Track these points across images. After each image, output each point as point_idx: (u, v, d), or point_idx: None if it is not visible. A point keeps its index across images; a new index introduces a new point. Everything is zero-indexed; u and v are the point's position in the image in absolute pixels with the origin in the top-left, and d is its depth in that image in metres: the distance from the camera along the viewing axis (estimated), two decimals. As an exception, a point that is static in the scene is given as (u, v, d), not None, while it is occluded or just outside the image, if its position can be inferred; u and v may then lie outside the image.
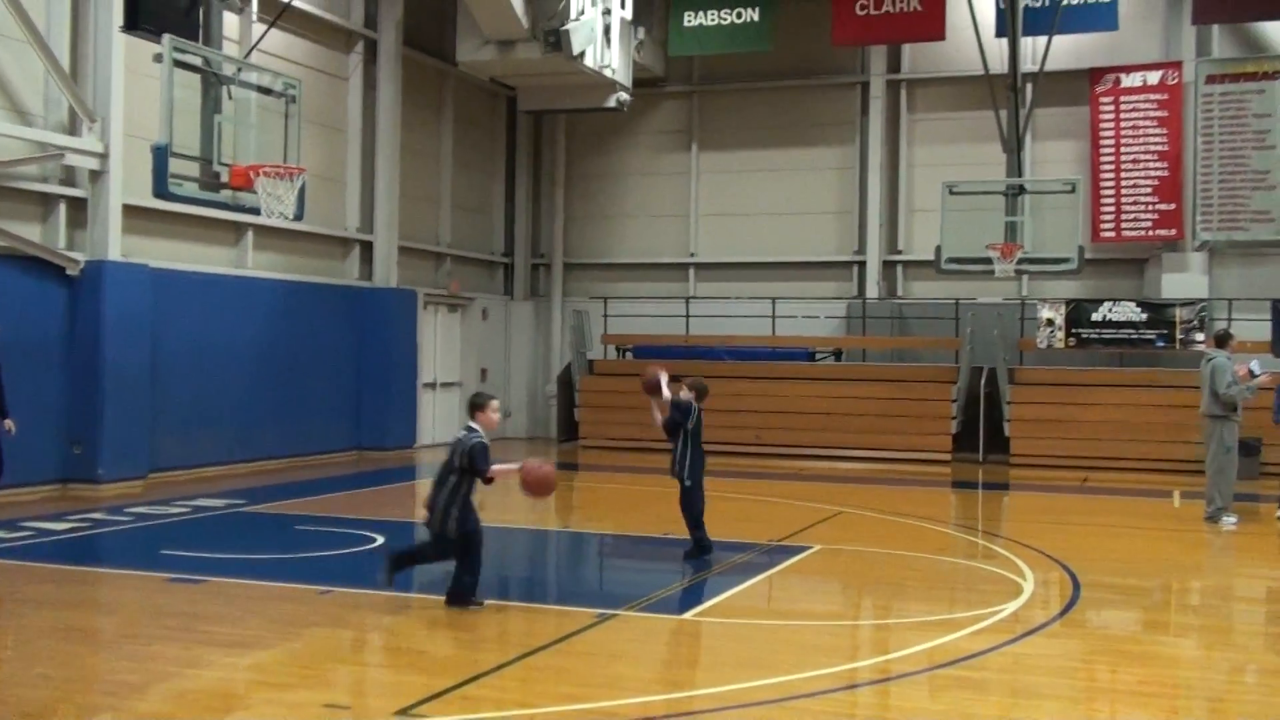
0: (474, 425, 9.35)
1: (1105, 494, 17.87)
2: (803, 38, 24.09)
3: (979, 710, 7.03)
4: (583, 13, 19.89)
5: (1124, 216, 22.58)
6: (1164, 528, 14.90)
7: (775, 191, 25.08)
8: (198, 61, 13.30)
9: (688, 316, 24.66)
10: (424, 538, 9.67)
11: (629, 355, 24.69)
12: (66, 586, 10.21)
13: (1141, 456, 20.39)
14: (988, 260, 19.61)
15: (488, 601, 9.32)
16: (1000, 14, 21.53)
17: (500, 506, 17.49)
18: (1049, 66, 21.11)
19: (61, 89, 15.44)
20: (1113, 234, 22.67)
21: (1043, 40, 21.01)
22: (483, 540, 9.40)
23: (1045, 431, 21.16)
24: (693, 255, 25.73)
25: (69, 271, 15.52)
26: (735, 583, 10.63)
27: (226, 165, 13.47)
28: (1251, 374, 14.32)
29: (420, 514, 9.82)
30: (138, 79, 15.83)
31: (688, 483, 11.63)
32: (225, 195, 13.64)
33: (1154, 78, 22.42)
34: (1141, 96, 22.49)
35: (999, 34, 21.45)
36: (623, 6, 21.12)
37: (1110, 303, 21.75)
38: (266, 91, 14.18)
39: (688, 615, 9.49)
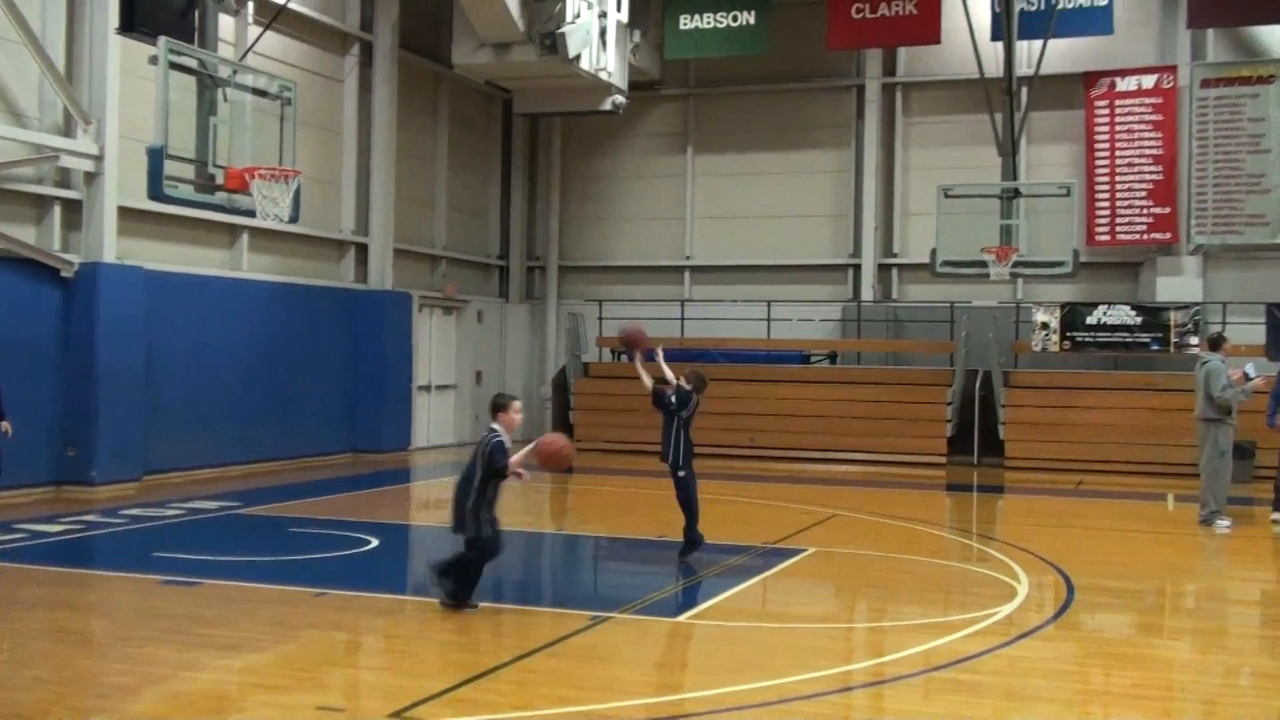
0: (495, 426, 9.39)
1: (1100, 497, 17.89)
2: (798, 41, 24.11)
3: (973, 713, 7.04)
4: (578, 15, 19.91)
5: (1119, 220, 22.62)
6: (1158, 531, 14.91)
7: (771, 194, 25.10)
8: (193, 64, 13.31)
9: (683, 319, 24.66)
10: (458, 547, 9.55)
11: (624, 358, 24.65)
12: (60, 589, 10.20)
13: (1136, 460, 20.41)
14: (983, 263, 19.64)
15: (482, 604, 9.29)
16: (995, 17, 21.58)
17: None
18: (1044, 70, 21.13)
19: (57, 91, 15.43)
20: (1107, 237, 22.70)
21: (1038, 44, 21.03)
22: (498, 546, 9.40)
23: (1040, 434, 21.17)
24: (688, 258, 25.74)
25: (64, 273, 15.50)
26: (730, 585, 10.63)
27: (222, 167, 13.48)
28: (1246, 377, 14.35)
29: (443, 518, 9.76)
30: (133, 81, 15.82)
31: (681, 472, 11.68)
32: (220, 197, 13.65)
33: (1149, 81, 22.46)
34: (1136, 100, 22.52)
35: (994, 37, 21.50)
36: (618, 9, 21.13)
37: (1105, 306, 21.78)
38: (262, 94, 14.19)
39: (682, 618, 9.48)
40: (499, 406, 9.53)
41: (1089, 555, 12.52)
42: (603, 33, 20.63)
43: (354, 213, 21.72)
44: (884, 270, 24.43)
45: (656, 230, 25.98)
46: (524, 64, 20.68)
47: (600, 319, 25.13)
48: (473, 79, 23.19)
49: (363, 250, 21.86)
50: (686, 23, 23.58)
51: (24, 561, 11.13)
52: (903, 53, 24.38)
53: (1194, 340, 20.77)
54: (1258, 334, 20.37)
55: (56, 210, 15.73)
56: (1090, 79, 22.76)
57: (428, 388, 23.76)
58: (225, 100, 13.70)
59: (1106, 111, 22.68)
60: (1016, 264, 19.74)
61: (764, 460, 21.79)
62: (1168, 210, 22.29)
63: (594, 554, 13.38)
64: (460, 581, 9.24)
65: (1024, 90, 21.48)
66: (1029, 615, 9.67)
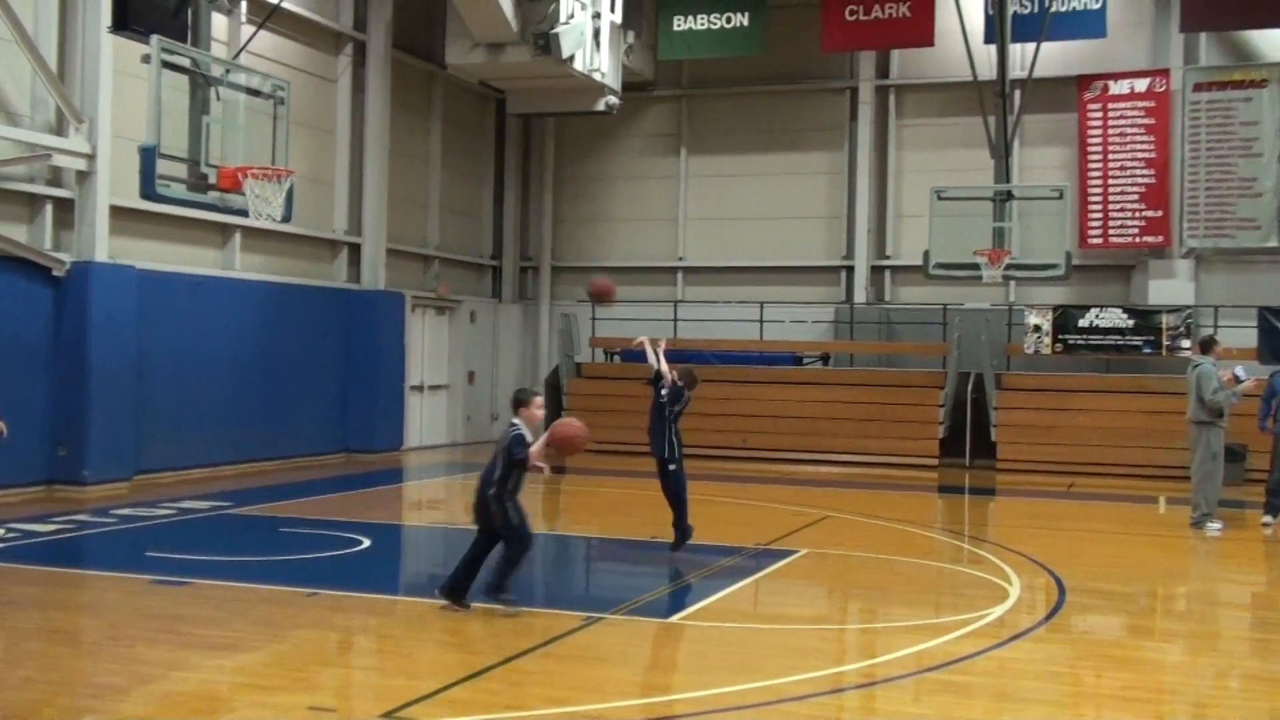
0: (516, 421, 9.44)
1: (1091, 499, 17.91)
2: (792, 43, 24.13)
3: (964, 714, 7.05)
4: (572, 16, 19.91)
5: (1111, 223, 22.66)
6: (1149, 533, 14.93)
7: (764, 196, 25.11)
8: (186, 62, 13.29)
9: (675, 320, 24.65)
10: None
11: (617, 359, 24.69)
12: (51, 588, 10.18)
13: (1127, 462, 20.44)
14: (975, 266, 19.68)
15: (475, 605, 9.29)
16: (989, 20, 21.61)
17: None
18: (1037, 73, 21.17)
19: (49, 89, 15.40)
20: (1100, 240, 22.74)
21: (1031, 47, 21.08)
22: (530, 534, 9.45)
23: (1032, 437, 21.20)
24: (681, 259, 25.75)
25: (55, 272, 15.47)
26: (722, 586, 10.63)
27: (214, 166, 13.46)
28: (1237, 379, 14.37)
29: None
30: (126, 80, 15.79)
31: (673, 466, 11.77)
32: (213, 197, 13.62)
33: (1142, 85, 22.50)
34: (1129, 103, 22.57)
35: (988, 40, 21.53)
36: (612, 10, 21.14)
37: (1097, 309, 21.81)
38: (255, 93, 14.16)
39: (674, 619, 9.48)
40: (521, 402, 9.58)
41: (1080, 557, 12.54)
42: (596, 33, 20.65)
43: (347, 212, 21.69)
44: (877, 272, 24.45)
45: (650, 231, 25.98)
46: (517, 64, 20.69)
47: (593, 320, 25.12)
48: (466, 79, 23.19)
49: (355, 250, 21.84)
50: (680, 24, 23.59)
51: (15, 561, 11.10)
52: (896, 55, 24.41)
53: (1186, 343, 20.81)
54: (1249, 337, 20.41)
55: (48, 209, 15.70)
56: (1083, 82, 22.80)
57: (420, 388, 23.74)
58: (218, 99, 13.69)
59: (1099, 114, 22.72)
60: (1009, 266, 19.78)
61: (756, 461, 21.79)
62: (1160, 213, 22.33)
63: (587, 554, 13.38)
64: (509, 566, 9.28)
65: (1017, 93, 21.51)
66: (1020, 617, 9.69)
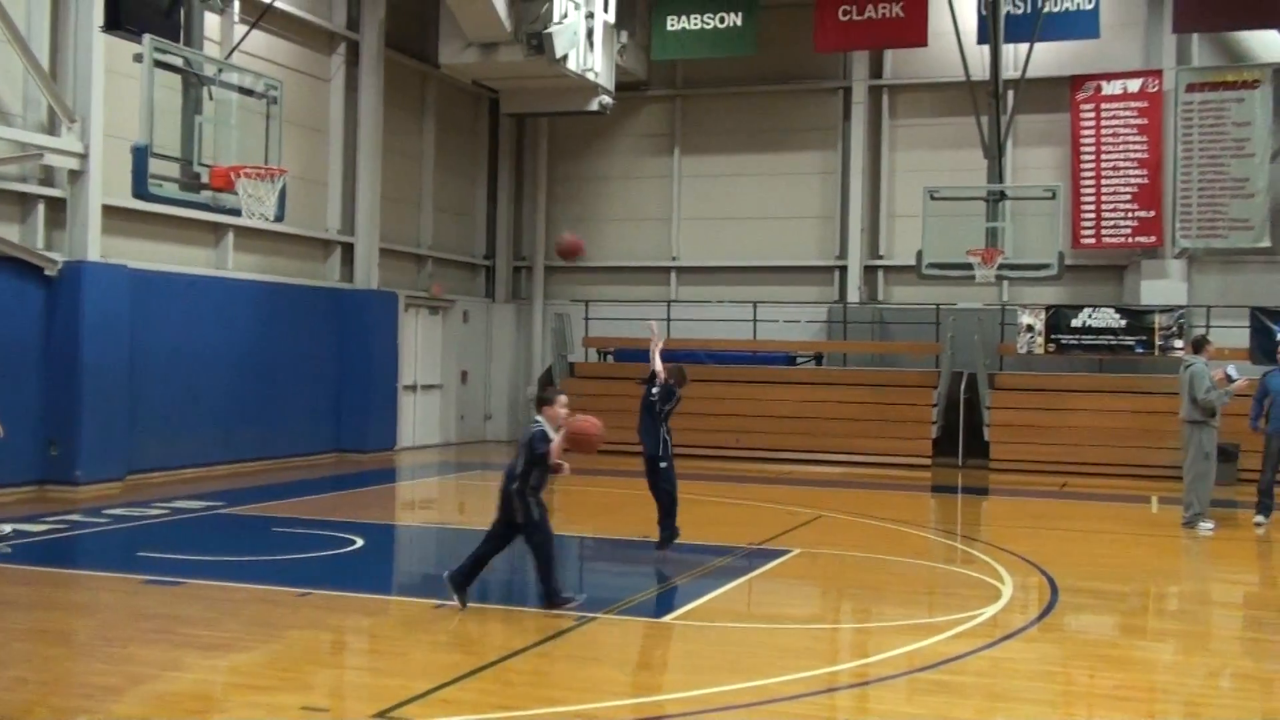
0: (539, 419, 9.45)
1: (1084, 499, 17.94)
2: (785, 43, 24.14)
3: (957, 714, 7.06)
4: (565, 16, 19.90)
5: (1104, 223, 22.69)
6: (1142, 533, 14.97)
7: (757, 196, 25.12)
8: (178, 62, 13.26)
9: (669, 320, 24.63)
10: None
11: (610, 358, 24.69)
12: (43, 588, 10.17)
13: (1120, 462, 20.48)
14: (968, 266, 19.70)
15: (470, 605, 9.28)
16: (982, 21, 21.64)
17: (480, 510, 17.46)
18: (1030, 73, 21.18)
19: (41, 89, 15.37)
20: (1093, 240, 22.77)
21: (1024, 47, 21.08)
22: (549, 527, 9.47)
23: (1024, 436, 21.24)
24: (674, 259, 25.75)
25: (47, 272, 15.44)
26: (715, 586, 10.64)
27: (207, 166, 13.43)
28: (1229, 379, 14.41)
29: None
30: (118, 79, 15.76)
31: (664, 464, 11.81)
32: (206, 196, 13.60)
33: (1134, 85, 22.54)
34: (1122, 104, 22.60)
35: (981, 41, 21.56)
36: (605, 10, 21.13)
37: (1090, 309, 21.86)
38: (248, 92, 14.14)
39: (667, 619, 9.49)
40: (544, 401, 9.60)
41: (1073, 557, 12.56)
42: (590, 33, 20.63)
43: (340, 212, 21.68)
44: (870, 272, 24.47)
45: (643, 231, 25.98)
46: (511, 64, 20.69)
47: (586, 319, 25.14)
48: (459, 79, 23.19)
49: (348, 250, 21.82)
50: (673, 24, 23.60)
51: (7, 561, 11.07)
52: (889, 55, 24.43)
53: (1178, 343, 20.85)
54: (1242, 337, 20.46)
55: (40, 209, 15.67)
56: (1076, 82, 22.83)
57: (413, 388, 23.72)
58: (211, 99, 13.65)
59: (1092, 115, 22.75)
60: (1002, 266, 19.79)
61: (749, 461, 21.80)
62: (1152, 214, 22.37)
63: (579, 554, 13.36)
64: (549, 567, 9.28)
65: (1010, 93, 21.54)
66: (1013, 617, 9.70)
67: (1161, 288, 22.14)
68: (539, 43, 19.74)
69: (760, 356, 23.94)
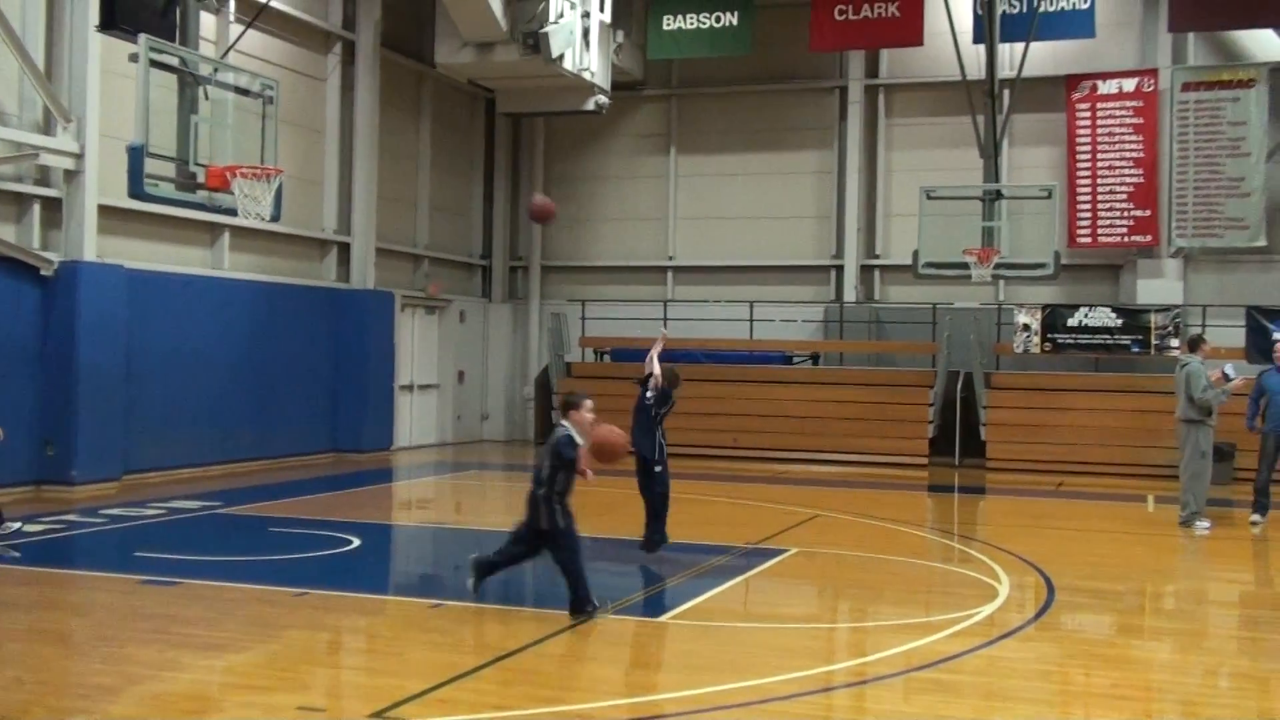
0: (565, 423, 9.45)
1: (1080, 498, 17.95)
2: (781, 42, 24.14)
3: (953, 713, 7.06)
4: (561, 15, 19.90)
5: (1100, 222, 22.70)
6: (1138, 532, 14.98)
7: (753, 195, 25.13)
8: (174, 62, 13.26)
9: (665, 319, 24.65)
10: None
11: (607, 358, 24.69)
12: (40, 588, 10.15)
13: (1116, 461, 20.50)
14: (965, 265, 19.71)
15: (466, 604, 9.28)
16: (978, 20, 21.66)
17: (476, 510, 17.49)
18: (1026, 73, 21.19)
19: (36, 88, 15.35)
20: (1089, 240, 22.79)
21: (1020, 46, 21.11)
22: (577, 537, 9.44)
23: (1021, 436, 21.25)
24: (671, 258, 25.75)
25: (43, 272, 15.42)
26: (712, 585, 10.64)
27: (203, 166, 13.43)
28: (1226, 377, 14.43)
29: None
30: (114, 79, 15.75)
31: (658, 468, 11.82)
32: (201, 196, 13.60)
33: (1130, 85, 22.55)
34: (1118, 103, 22.62)
35: (976, 40, 21.59)
36: (601, 9, 21.12)
37: (1086, 308, 21.87)
38: (244, 92, 14.14)
39: (664, 618, 9.49)
40: (571, 405, 9.59)
41: (1069, 556, 12.56)
42: (585, 33, 20.62)
43: (336, 212, 21.66)
44: (866, 271, 24.47)
45: (639, 230, 25.98)
46: (507, 64, 20.68)
47: (583, 319, 25.14)
48: (455, 78, 23.17)
49: (345, 249, 21.81)
50: (669, 23, 23.59)
51: (2, 561, 11.06)
52: (885, 54, 24.43)
53: (1174, 342, 20.87)
54: (1237, 336, 20.49)
55: (36, 208, 15.65)
56: (1071, 82, 22.84)
57: (410, 387, 23.71)
58: (206, 98, 13.66)
59: (1088, 114, 22.77)
60: (998, 266, 19.81)
61: (746, 461, 21.82)
62: (1148, 213, 22.38)
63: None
64: (578, 580, 9.20)
65: (1006, 93, 21.55)
66: (1010, 616, 9.71)
67: (1157, 287, 22.17)
68: (535, 42, 19.73)
69: (757, 356, 23.94)
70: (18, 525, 12.33)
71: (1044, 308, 22.09)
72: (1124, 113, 22.58)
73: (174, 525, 13.65)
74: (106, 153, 15.59)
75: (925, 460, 21.59)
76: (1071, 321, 21.80)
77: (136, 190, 12.71)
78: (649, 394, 11.87)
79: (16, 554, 11.40)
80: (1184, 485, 14.50)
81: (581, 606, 9.10)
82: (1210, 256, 22.38)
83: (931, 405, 21.89)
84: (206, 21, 16.47)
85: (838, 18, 22.70)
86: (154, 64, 12.77)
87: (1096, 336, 21.68)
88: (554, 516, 9.20)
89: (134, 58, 12.68)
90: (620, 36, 22.88)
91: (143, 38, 12.68)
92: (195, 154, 13.36)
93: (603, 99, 22.01)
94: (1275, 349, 15.07)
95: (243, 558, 11.52)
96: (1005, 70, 21.92)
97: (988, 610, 9.71)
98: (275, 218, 14.04)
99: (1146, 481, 19.19)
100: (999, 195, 20.22)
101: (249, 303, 19.12)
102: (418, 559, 13.30)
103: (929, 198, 20.28)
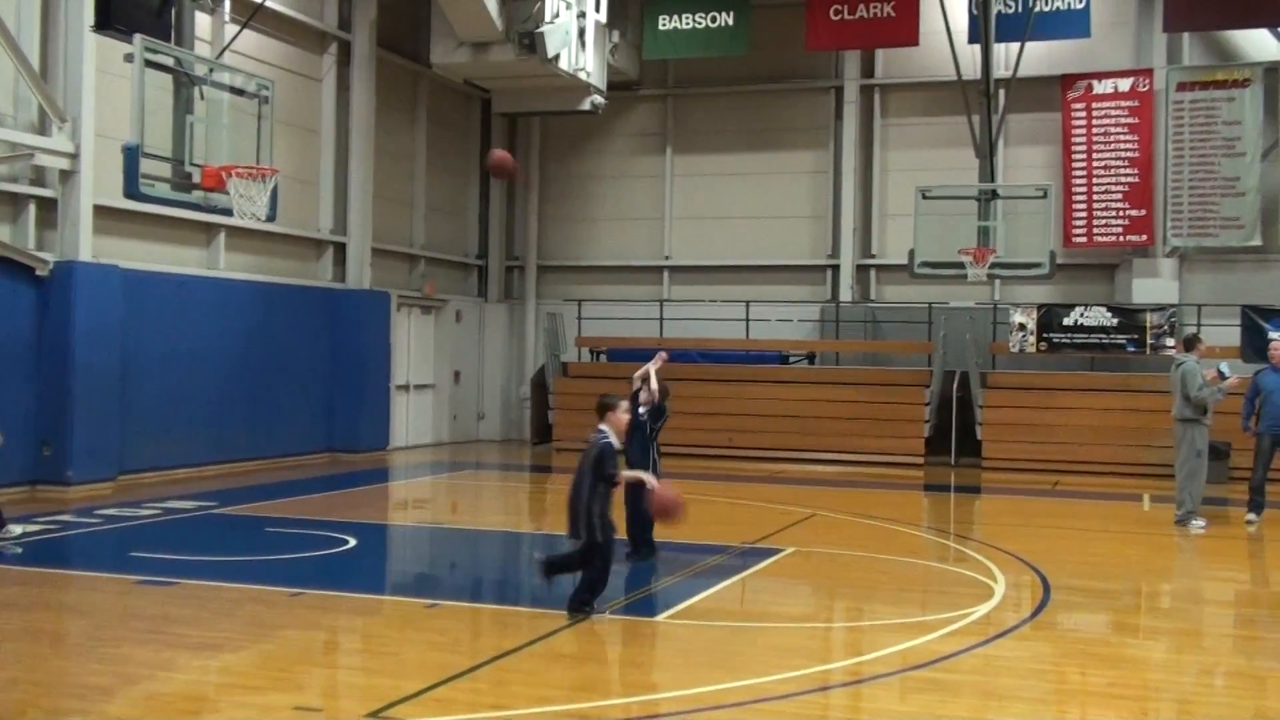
0: (603, 428, 9.35)
1: (1076, 497, 17.97)
2: (777, 42, 24.15)
3: (950, 712, 7.06)
4: (557, 15, 19.91)
5: (1095, 222, 22.73)
6: (1134, 531, 14.99)
7: (749, 195, 25.14)
8: (169, 62, 13.25)
9: (661, 319, 24.67)
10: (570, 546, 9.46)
11: (603, 358, 24.68)
12: (35, 589, 10.14)
13: (1112, 460, 20.52)
14: (960, 265, 19.72)
15: (464, 604, 9.27)
16: (973, 20, 21.66)
17: (473, 509, 17.48)
18: (1021, 72, 21.22)
19: (31, 89, 15.33)
20: (1084, 239, 22.82)
21: (1015, 46, 21.13)
22: (613, 550, 9.35)
23: (1017, 435, 21.26)
24: (667, 258, 25.75)
25: (39, 272, 15.40)
26: (708, 585, 10.64)
27: (198, 166, 13.42)
28: (1221, 376, 14.44)
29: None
30: (109, 79, 15.73)
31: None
32: (197, 196, 13.59)
33: (1125, 84, 22.58)
34: (1113, 103, 22.64)
35: (972, 40, 21.58)
36: (597, 9, 21.14)
37: (1081, 308, 21.88)
38: (239, 92, 14.14)
39: (661, 618, 9.48)
40: (607, 407, 9.49)
41: (1065, 555, 12.58)
42: (581, 33, 20.64)
43: (332, 212, 21.65)
44: (862, 271, 24.49)
45: (635, 230, 25.99)
46: (503, 64, 20.68)
47: (579, 319, 25.13)
48: (451, 78, 23.17)
49: (341, 249, 21.80)
50: (665, 23, 23.59)
51: (3, 560, 11.05)
52: (881, 54, 24.45)
53: (1169, 342, 20.89)
54: (1233, 336, 20.51)
55: (31, 208, 15.64)
56: (1067, 81, 22.87)
57: (406, 387, 23.71)
58: (202, 99, 13.65)
59: (1083, 114, 22.79)
60: (994, 265, 19.82)
61: (742, 460, 21.82)
62: (1144, 213, 22.41)
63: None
64: (592, 590, 9.17)
65: (1001, 92, 21.55)
66: (1006, 615, 9.71)
67: (1153, 286, 22.19)
68: (531, 42, 19.74)
69: (753, 355, 23.95)
70: (20, 530, 12.32)
71: (1040, 307, 22.10)
72: (1119, 112, 22.60)
73: (170, 525, 13.64)
74: (102, 153, 15.58)
75: (921, 459, 21.60)
76: (1067, 321, 21.81)
77: (132, 190, 12.70)
78: (641, 410, 11.79)
79: (19, 549, 11.41)
80: (1180, 484, 14.51)
81: (581, 606, 9.09)
82: (1205, 256, 22.41)
83: (927, 405, 21.90)
84: (202, 21, 16.46)
85: (833, 18, 22.71)
86: (149, 64, 12.76)
87: (1092, 336, 21.69)
88: (592, 531, 9.11)
89: (129, 58, 12.67)
90: (616, 36, 22.90)
91: (138, 38, 12.67)
92: (191, 154, 13.36)
93: (598, 99, 22.02)
94: (1270, 348, 15.08)
95: (238, 558, 11.51)
96: (1001, 70, 21.92)
97: (984, 609, 9.72)
98: (271, 218, 14.03)
99: (1142, 480, 19.20)
100: (994, 195, 20.24)
101: (245, 303, 19.10)
102: (414, 559, 13.29)
103: (925, 197, 20.29)
